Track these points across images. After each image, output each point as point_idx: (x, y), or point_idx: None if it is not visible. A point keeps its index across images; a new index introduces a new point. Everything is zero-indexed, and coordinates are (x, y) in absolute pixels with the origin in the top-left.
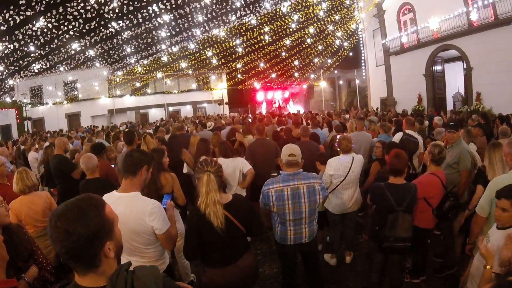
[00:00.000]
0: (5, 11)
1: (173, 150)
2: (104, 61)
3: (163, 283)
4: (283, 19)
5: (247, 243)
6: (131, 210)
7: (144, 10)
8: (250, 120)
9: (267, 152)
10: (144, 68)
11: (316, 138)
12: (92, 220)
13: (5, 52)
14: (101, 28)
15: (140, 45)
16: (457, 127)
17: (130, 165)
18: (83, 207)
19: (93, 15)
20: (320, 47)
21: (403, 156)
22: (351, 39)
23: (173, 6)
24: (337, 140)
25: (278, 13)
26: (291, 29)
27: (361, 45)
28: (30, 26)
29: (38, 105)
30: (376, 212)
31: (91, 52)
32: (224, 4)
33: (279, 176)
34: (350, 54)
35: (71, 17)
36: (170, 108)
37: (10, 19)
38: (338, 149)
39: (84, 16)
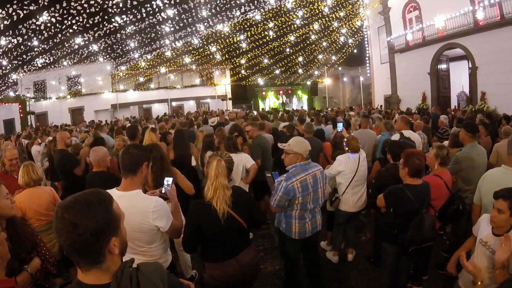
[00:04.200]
0: (8, 6)
1: (180, 145)
2: (107, 56)
3: (168, 279)
4: (288, 15)
5: (248, 239)
6: (134, 209)
7: (148, 5)
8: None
9: (268, 148)
10: (148, 63)
11: (321, 134)
12: (100, 214)
13: (9, 46)
14: (104, 22)
15: (144, 40)
16: (476, 129)
17: (129, 164)
18: (91, 201)
19: (97, 9)
20: (324, 44)
21: (422, 154)
22: (355, 36)
23: (177, 0)
24: (345, 140)
25: (282, 9)
26: (295, 25)
27: (366, 42)
28: (34, 20)
29: (42, 100)
30: (392, 215)
31: (95, 47)
32: None
33: (294, 168)
34: (355, 51)
35: (75, 11)
36: (174, 103)
37: (13, 13)
38: (347, 149)
39: (87, 10)
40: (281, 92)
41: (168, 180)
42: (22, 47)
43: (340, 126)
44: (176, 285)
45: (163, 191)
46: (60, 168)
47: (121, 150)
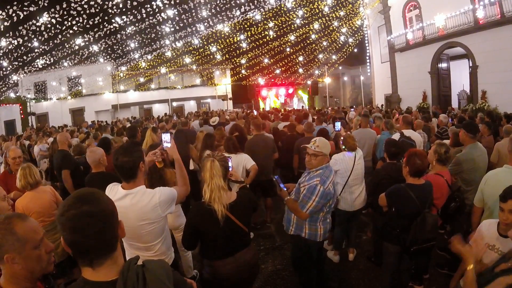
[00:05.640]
0: (8, 7)
1: (180, 146)
2: (108, 56)
3: (173, 277)
4: (288, 14)
5: (248, 240)
6: (141, 204)
7: (148, 5)
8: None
9: (267, 148)
10: (148, 63)
11: (325, 133)
12: (105, 200)
13: (9, 47)
14: (105, 23)
15: (144, 40)
16: (476, 130)
17: (125, 172)
18: (91, 192)
19: (97, 10)
20: (324, 43)
21: (424, 155)
22: (356, 35)
23: (177, 0)
24: (342, 139)
25: (282, 8)
26: (295, 25)
27: (366, 41)
28: (34, 21)
29: (42, 101)
30: (394, 215)
31: (95, 47)
32: None
33: (322, 170)
34: (355, 50)
35: (75, 12)
36: (174, 104)
37: (13, 14)
38: (343, 147)
39: (88, 11)
40: (281, 92)
41: (166, 136)
42: (22, 48)
43: (338, 125)
44: (180, 282)
45: (163, 149)
46: (59, 169)
47: (113, 158)
